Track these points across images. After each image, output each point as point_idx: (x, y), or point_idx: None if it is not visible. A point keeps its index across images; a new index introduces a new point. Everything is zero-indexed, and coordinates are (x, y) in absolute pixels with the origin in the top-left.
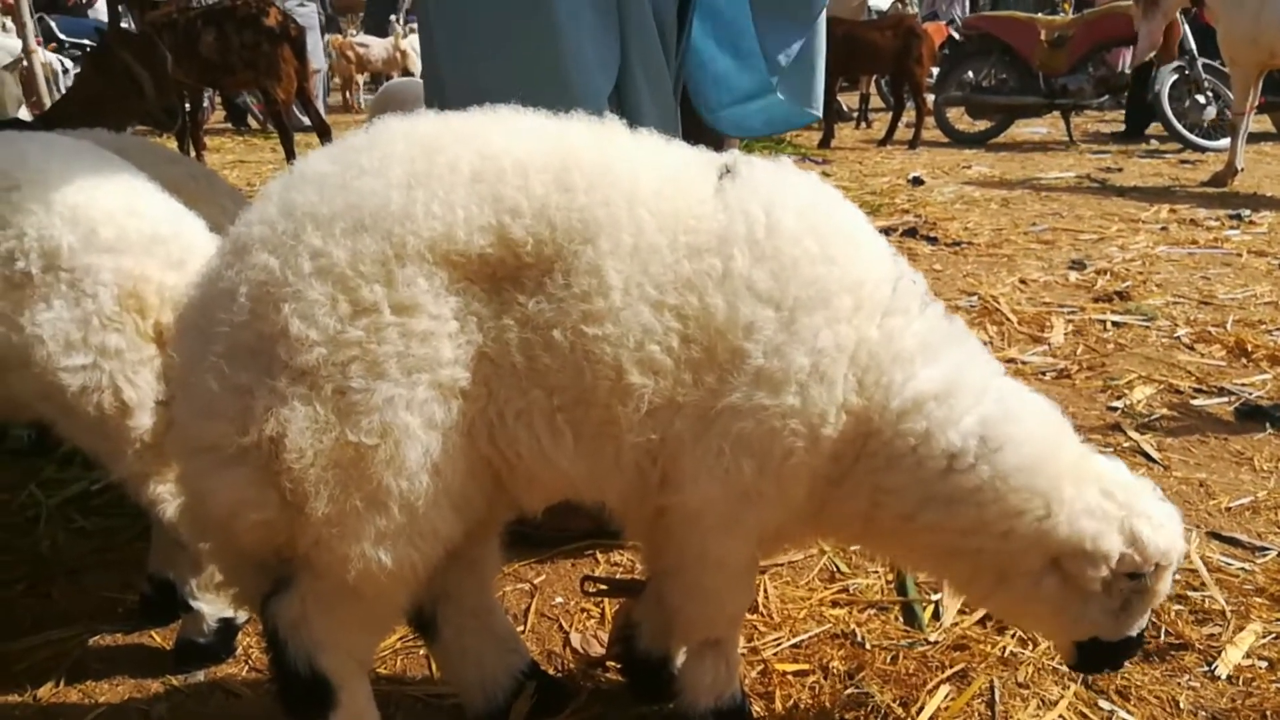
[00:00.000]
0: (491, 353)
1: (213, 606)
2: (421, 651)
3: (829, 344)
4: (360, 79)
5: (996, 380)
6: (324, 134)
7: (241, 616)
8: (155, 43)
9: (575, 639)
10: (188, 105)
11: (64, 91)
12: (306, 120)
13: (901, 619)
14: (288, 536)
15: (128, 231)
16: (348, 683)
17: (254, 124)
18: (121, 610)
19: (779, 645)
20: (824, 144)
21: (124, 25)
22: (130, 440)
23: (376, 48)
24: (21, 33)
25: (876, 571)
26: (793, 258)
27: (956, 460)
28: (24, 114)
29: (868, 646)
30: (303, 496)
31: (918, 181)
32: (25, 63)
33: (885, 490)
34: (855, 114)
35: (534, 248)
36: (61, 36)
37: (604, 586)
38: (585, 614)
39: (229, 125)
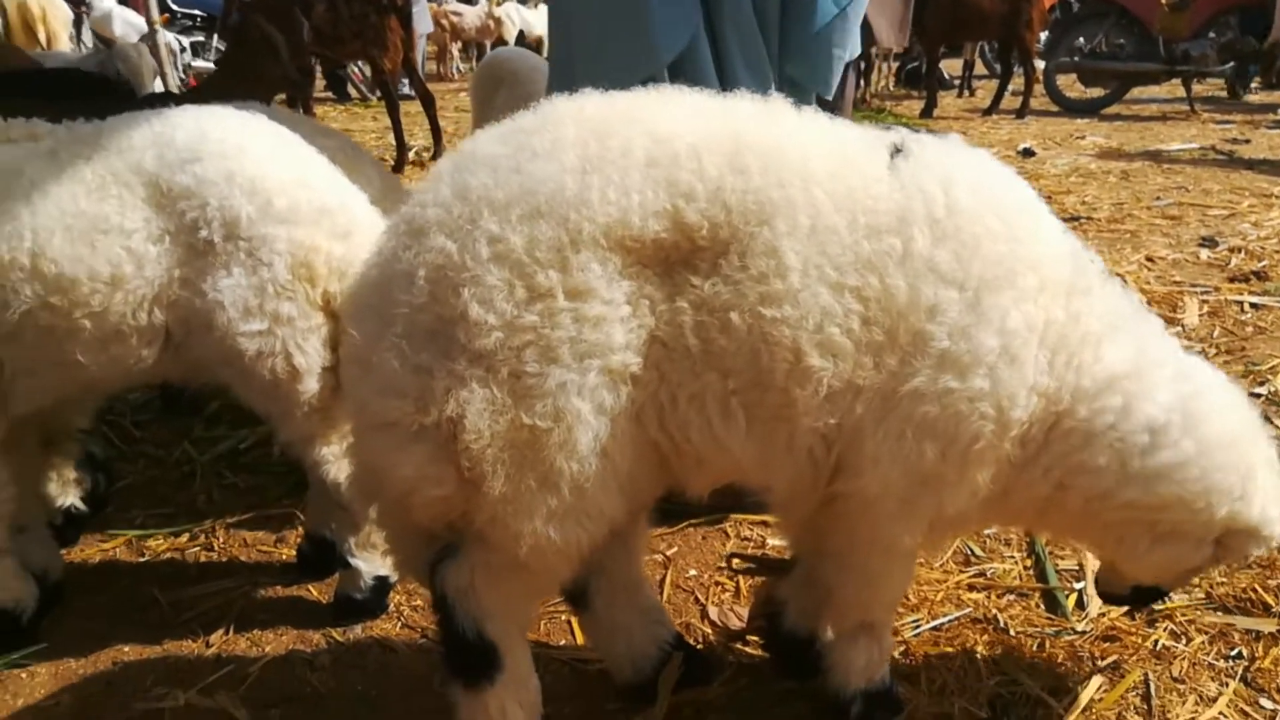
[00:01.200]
0: (664, 336)
1: (369, 564)
2: (563, 616)
3: (1018, 324)
4: (454, 47)
5: (1182, 356)
6: (428, 103)
7: (394, 575)
8: (291, 7)
9: (713, 612)
10: None
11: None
12: (407, 90)
13: (1044, 606)
14: (463, 511)
15: (300, 203)
16: (510, 647)
17: (353, 93)
18: (278, 564)
19: (918, 627)
20: (926, 113)
21: None
22: (299, 403)
23: (470, 15)
24: (145, 7)
25: (1013, 557)
26: (974, 236)
27: (1159, 435)
28: (157, 86)
29: (1011, 633)
30: (480, 475)
31: (1029, 153)
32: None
33: (1082, 470)
34: (958, 82)
35: (709, 231)
36: (174, 8)
37: (751, 564)
38: (720, 587)
39: (330, 95)
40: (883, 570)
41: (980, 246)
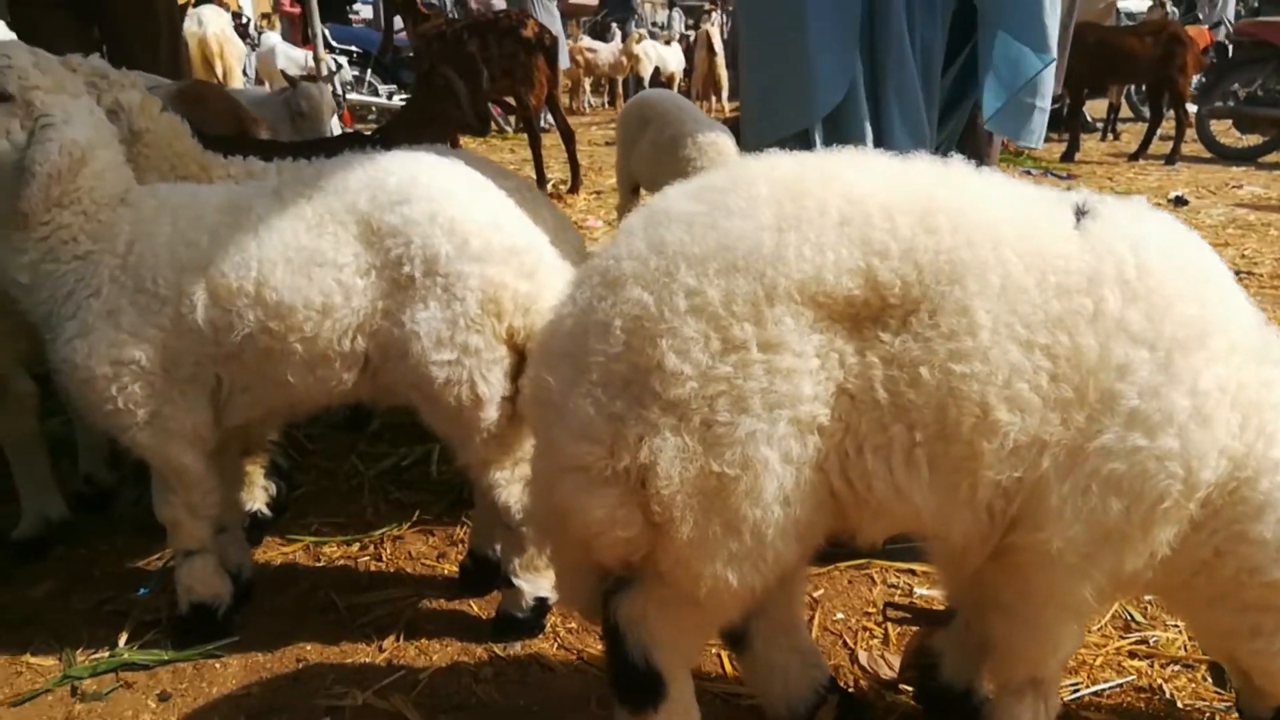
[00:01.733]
0: (852, 389)
1: (532, 585)
2: (714, 649)
3: (1210, 385)
4: (586, 82)
5: None
6: (567, 137)
7: (553, 597)
8: (473, 58)
9: (862, 657)
10: None
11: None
12: (546, 123)
13: (1210, 679)
14: (646, 553)
15: (492, 243)
16: (676, 677)
17: (493, 126)
18: (440, 578)
19: (1077, 691)
20: (1068, 157)
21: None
22: (479, 429)
23: (604, 52)
24: (312, 41)
25: (1177, 626)
26: (1165, 298)
27: None
28: (337, 126)
29: (1179, 705)
30: (668, 520)
31: (1180, 201)
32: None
33: (1244, 540)
34: (1101, 125)
35: (901, 289)
36: (332, 43)
37: (906, 614)
38: (868, 633)
39: None
40: (1057, 625)
41: (1172, 308)
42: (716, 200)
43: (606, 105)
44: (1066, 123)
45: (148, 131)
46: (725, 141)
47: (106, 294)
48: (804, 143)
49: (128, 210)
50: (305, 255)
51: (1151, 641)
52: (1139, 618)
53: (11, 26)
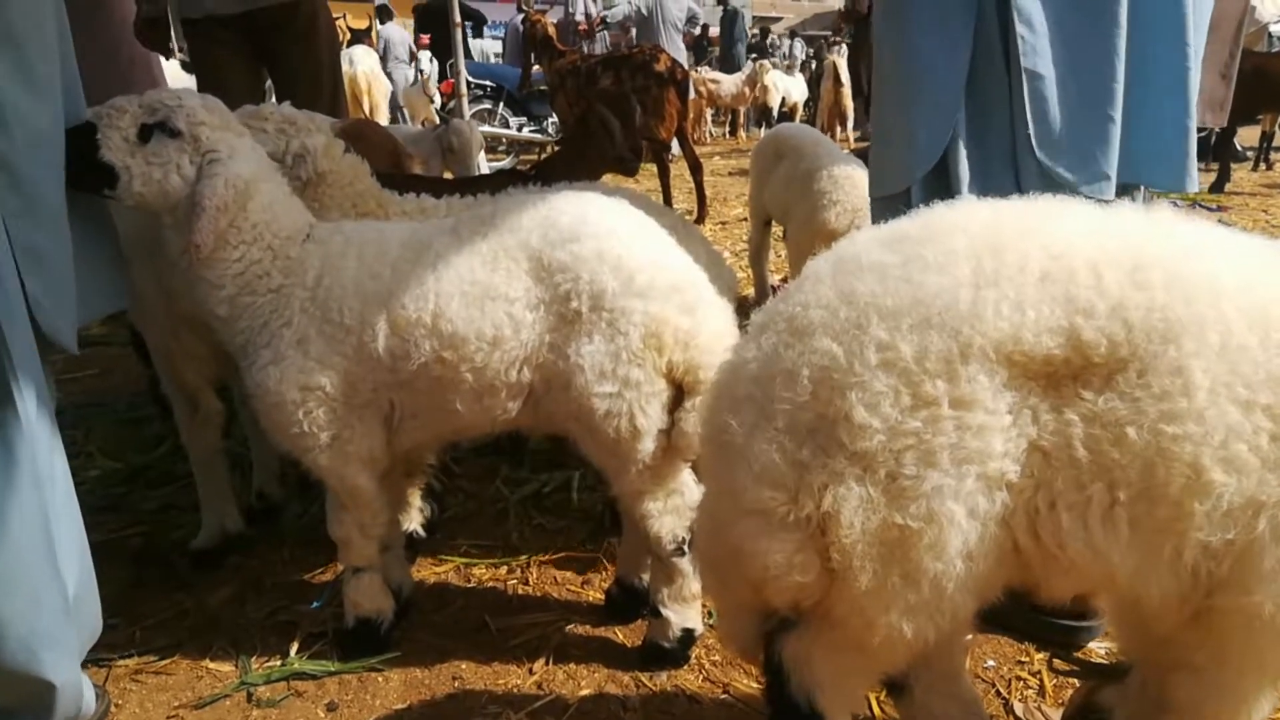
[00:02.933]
0: (1047, 446)
1: (679, 616)
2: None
3: None
4: (709, 113)
5: None
6: (695, 169)
7: (700, 628)
8: (628, 96)
9: (1018, 708)
10: None
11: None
12: (673, 153)
13: None
14: (820, 598)
15: (656, 280)
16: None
17: None
18: (585, 604)
19: None
20: (1217, 188)
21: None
22: (635, 460)
23: (727, 83)
24: (456, 79)
25: None
26: None
27: None
28: (482, 160)
29: None
30: (847, 568)
31: None
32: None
33: None
34: (1253, 154)
35: (1107, 349)
36: (470, 79)
37: (1074, 666)
38: (1022, 683)
39: None
40: (1254, 691)
41: None
42: (912, 251)
43: (727, 135)
44: (1216, 152)
45: (331, 173)
46: (858, 175)
47: (297, 324)
48: (905, 200)
49: (316, 246)
50: (479, 289)
51: None
52: None
53: (190, 64)
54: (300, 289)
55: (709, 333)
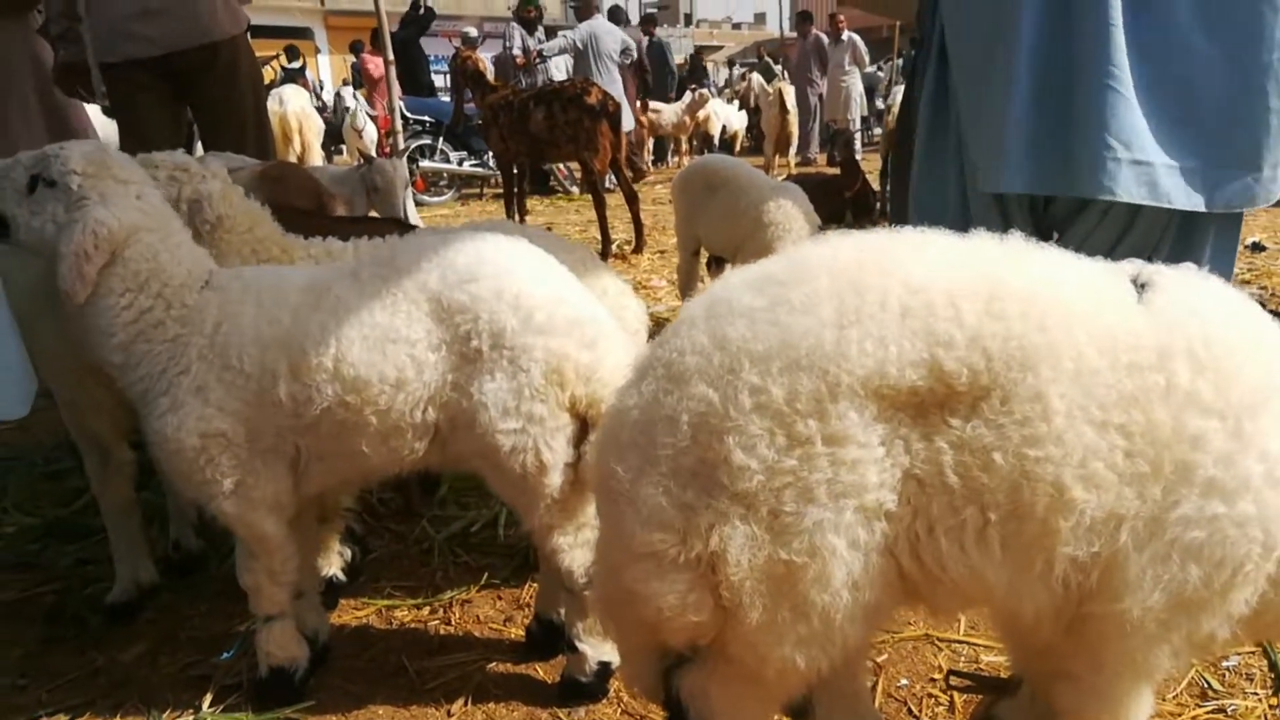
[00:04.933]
0: (921, 474)
1: (595, 650)
2: None
3: (1279, 447)
4: (650, 142)
5: None
6: (631, 199)
7: (616, 661)
8: None
9: None
10: (515, 174)
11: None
12: (610, 184)
13: None
14: (713, 635)
15: (555, 316)
16: None
17: (555, 186)
18: (507, 642)
19: None
20: None
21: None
22: (543, 495)
23: (667, 113)
24: (389, 115)
25: (1256, 694)
26: (1233, 365)
27: None
28: (409, 198)
29: None
30: (737, 604)
31: (1258, 248)
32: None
33: None
34: None
35: (969, 378)
36: (407, 114)
37: (970, 682)
38: (933, 700)
39: (533, 189)
40: (1131, 694)
41: (1239, 375)
42: (778, 294)
43: (670, 163)
44: None
45: (228, 218)
46: (803, 202)
47: (195, 371)
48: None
49: (214, 293)
50: (380, 332)
51: (1230, 710)
52: (1216, 685)
53: (110, 108)
54: (198, 336)
55: (610, 366)
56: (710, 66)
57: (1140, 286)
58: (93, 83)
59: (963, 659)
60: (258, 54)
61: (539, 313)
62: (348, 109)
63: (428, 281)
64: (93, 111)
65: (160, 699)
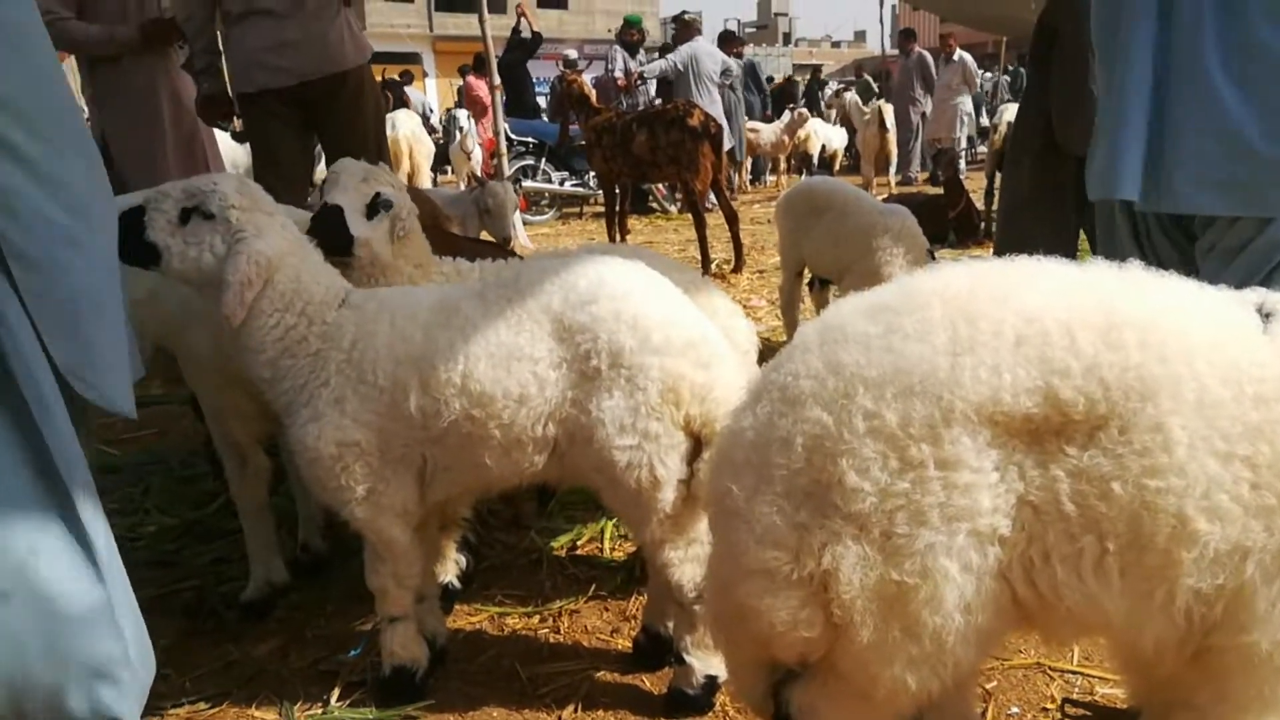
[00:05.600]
0: (1036, 501)
1: (702, 663)
2: None
3: None
4: (746, 161)
5: None
6: (732, 219)
7: (723, 675)
8: None
9: None
10: (617, 194)
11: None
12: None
13: None
14: (824, 652)
15: (671, 337)
16: None
17: (654, 205)
18: (614, 652)
19: None
20: None
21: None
22: (655, 510)
23: (765, 132)
24: (495, 135)
25: None
26: None
27: None
28: (518, 219)
29: None
30: (849, 623)
31: None
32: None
33: None
34: None
35: (1085, 406)
36: (511, 136)
37: (1087, 712)
38: None
39: (632, 208)
40: None
41: None
42: (892, 322)
43: (768, 183)
44: None
45: (409, 233)
46: (912, 224)
47: (334, 384)
48: None
49: (350, 312)
50: (505, 350)
51: None
52: None
53: (242, 135)
54: (337, 351)
55: (724, 385)
56: (800, 82)
57: (1265, 316)
58: (230, 114)
59: (1076, 689)
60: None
61: (656, 333)
62: (461, 129)
63: (550, 303)
64: (221, 137)
65: (291, 692)
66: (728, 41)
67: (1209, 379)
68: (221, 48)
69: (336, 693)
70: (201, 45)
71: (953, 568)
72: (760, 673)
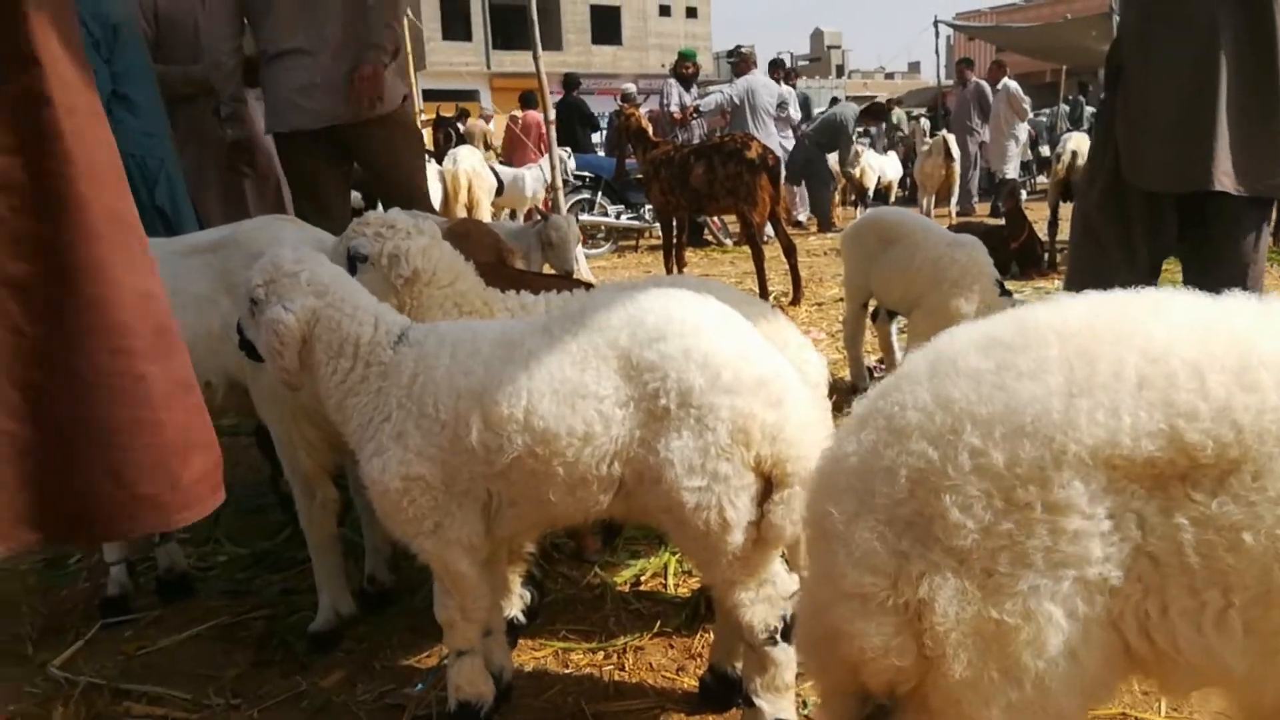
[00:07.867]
0: (1155, 551)
1: (772, 705)
2: None
3: None
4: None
5: None
6: (789, 251)
7: (793, 718)
8: None
9: None
10: (674, 226)
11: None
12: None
13: None
14: (916, 684)
15: (742, 375)
16: None
17: (709, 238)
18: (679, 691)
19: None
20: None
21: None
22: (725, 552)
23: None
24: (553, 167)
25: None
26: None
27: None
28: (580, 252)
29: None
30: (941, 655)
31: None
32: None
33: None
34: None
35: (1215, 450)
36: (571, 172)
37: None
38: None
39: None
40: None
41: None
42: (1005, 359)
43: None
44: None
45: (426, 272)
46: (981, 256)
47: (395, 419)
48: None
49: (409, 348)
50: (570, 387)
51: None
52: None
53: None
54: (397, 387)
55: (795, 424)
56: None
57: None
58: (254, 161)
59: None
60: (432, 114)
61: (726, 371)
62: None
63: (618, 339)
64: None
65: None
66: (775, 69)
67: None
68: (261, 87)
69: None
70: (229, 92)
71: (1057, 613)
72: (849, 702)
